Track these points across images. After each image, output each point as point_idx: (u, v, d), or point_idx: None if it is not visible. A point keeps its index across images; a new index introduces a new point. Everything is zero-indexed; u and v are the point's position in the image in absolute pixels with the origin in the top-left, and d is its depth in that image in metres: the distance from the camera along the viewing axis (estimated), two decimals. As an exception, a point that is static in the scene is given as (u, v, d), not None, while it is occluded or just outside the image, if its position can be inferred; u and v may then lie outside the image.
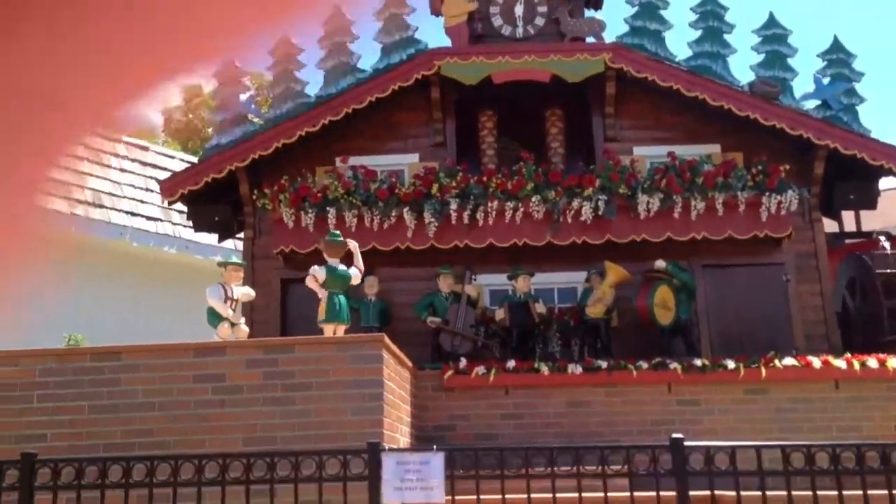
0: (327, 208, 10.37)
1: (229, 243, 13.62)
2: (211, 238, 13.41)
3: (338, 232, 8.57)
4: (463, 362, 9.38)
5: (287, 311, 11.00)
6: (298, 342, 7.08)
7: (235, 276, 8.51)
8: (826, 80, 11.54)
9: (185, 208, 12.14)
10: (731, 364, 9.26)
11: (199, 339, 7.63)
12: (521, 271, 10.25)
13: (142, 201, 14.70)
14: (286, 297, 11.06)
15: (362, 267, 8.28)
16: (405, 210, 10.33)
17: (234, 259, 8.87)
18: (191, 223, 12.21)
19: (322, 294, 8.03)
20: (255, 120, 11.54)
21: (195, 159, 14.34)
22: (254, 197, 10.92)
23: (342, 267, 8.17)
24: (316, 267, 8.18)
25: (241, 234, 11.74)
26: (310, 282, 8.13)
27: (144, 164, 15.66)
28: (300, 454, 5.18)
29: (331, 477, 5.12)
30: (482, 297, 10.74)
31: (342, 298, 8.06)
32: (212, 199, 11.26)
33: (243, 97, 11.62)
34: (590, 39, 11.38)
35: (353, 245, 8.27)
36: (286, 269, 11.04)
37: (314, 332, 8.19)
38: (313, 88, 11.58)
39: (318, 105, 11.11)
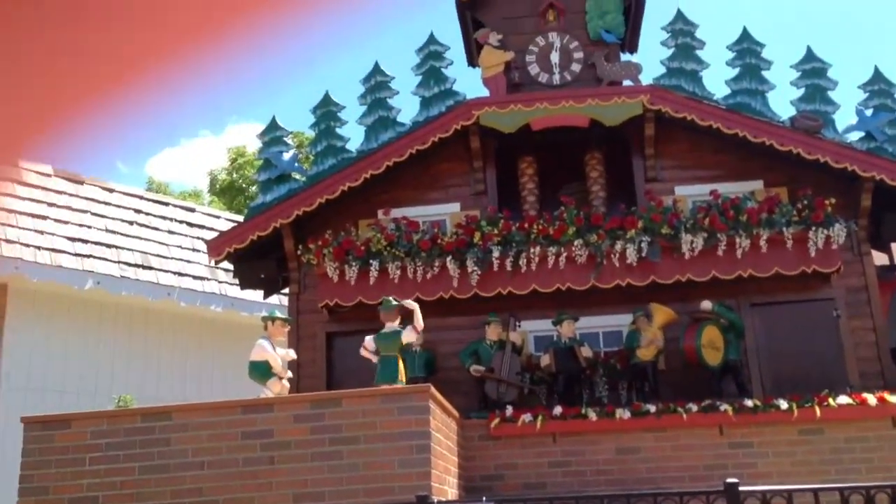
0: (370, 261, 10.50)
1: (274, 299, 13.83)
2: (256, 295, 13.64)
3: (391, 298, 8.70)
4: (509, 410, 9.34)
5: (333, 364, 11.10)
6: (345, 395, 7.14)
7: (281, 332, 8.64)
8: (869, 112, 11.42)
9: (230, 266, 12.40)
10: (783, 404, 9.06)
11: (246, 397, 7.74)
12: (565, 316, 10.22)
13: (188, 261, 15.04)
14: (331, 350, 11.17)
15: (421, 325, 8.37)
16: (448, 259, 10.41)
17: (279, 314, 8.99)
18: (237, 281, 12.45)
19: (375, 359, 8.26)
20: (298, 177, 11.80)
21: (240, 218, 14.67)
22: (298, 252, 11.11)
23: (392, 328, 8.31)
24: (367, 337, 8.44)
25: (286, 290, 11.93)
26: (363, 352, 8.41)
27: (191, 224, 16.06)
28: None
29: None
30: (527, 344, 10.72)
31: (395, 360, 8.16)
32: (257, 256, 11.49)
33: (286, 155, 11.91)
34: (627, 82, 11.45)
35: (410, 304, 8.43)
36: (331, 323, 11.18)
37: (361, 385, 8.24)
38: (354, 143, 11.83)
39: (359, 160, 11.32)
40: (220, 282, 14.96)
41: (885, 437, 8.94)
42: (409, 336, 8.26)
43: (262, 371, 8.26)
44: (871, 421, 9.00)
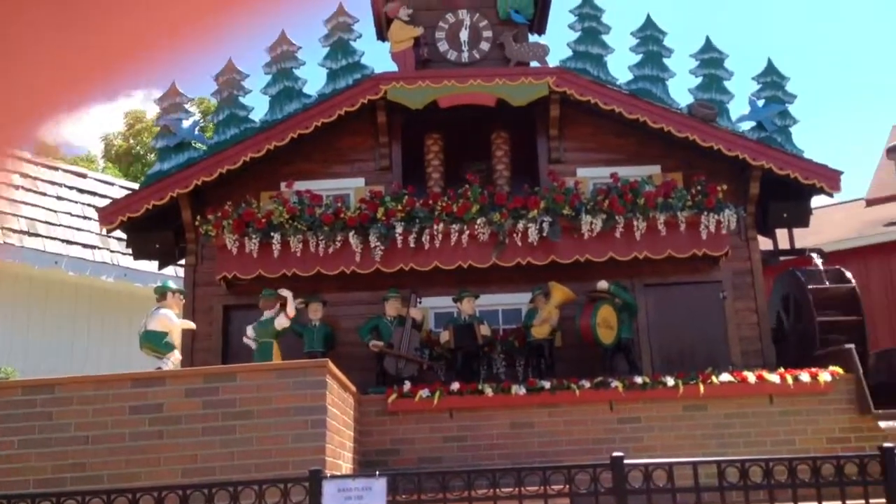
0: (272, 234, 10.34)
1: (170, 270, 13.44)
2: (151, 265, 13.23)
3: (269, 290, 9.43)
4: (407, 385, 9.39)
5: (229, 338, 10.90)
6: (240, 370, 7.04)
7: (177, 304, 8.45)
8: (761, 103, 11.89)
9: (124, 235, 11.98)
10: (670, 381, 9.42)
11: (138, 369, 7.56)
12: (466, 293, 10.32)
13: (78, 229, 14.45)
14: (228, 324, 10.97)
15: (293, 312, 9.23)
16: (351, 234, 10.35)
17: (173, 286, 8.86)
18: (130, 250, 12.05)
19: (254, 345, 9.01)
20: (199, 146, 11.48)
21: (136, 186, 14.17)
22: (196, 223, 10.83)
23: (268, 316, 9.18)
24: (248, 326, 9.22)
25: (183, 261, 11.62)
26: (245, 340, 9.22)
27: (82, 191, 15.41)
28: (239, 484, 5.15)
29: (270, 506, 5.09)
30: (427, 320, 10.79)
31: (270, 346, 9.00)
32: (152, 226, 11.14)
33: (186, 123, 11.55)
34: (534, 64, 11.57)
35: (284, 293, 9.01)
36: (229, 296, 10.97)
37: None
38: (258, 114, 11.58)
39: (262, 130, 11.09)
40: (112, 251, 14.44)
41: (762, 414, 9.41)
42: (281, 322, 8.66)
43: (159, 341, 8.14)
44: (750, 398, 9.45)
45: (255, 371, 6.94)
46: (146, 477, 6.16)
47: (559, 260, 10.50)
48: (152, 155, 21.44)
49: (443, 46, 11.70)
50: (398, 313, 10.29)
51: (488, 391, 9.29)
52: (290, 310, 8.95)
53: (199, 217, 10.82)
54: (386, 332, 10.15)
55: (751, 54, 40.77)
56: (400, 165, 11.53)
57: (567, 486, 5.58)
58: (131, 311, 12.64)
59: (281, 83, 11.47)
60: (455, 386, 9.35)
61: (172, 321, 8.43)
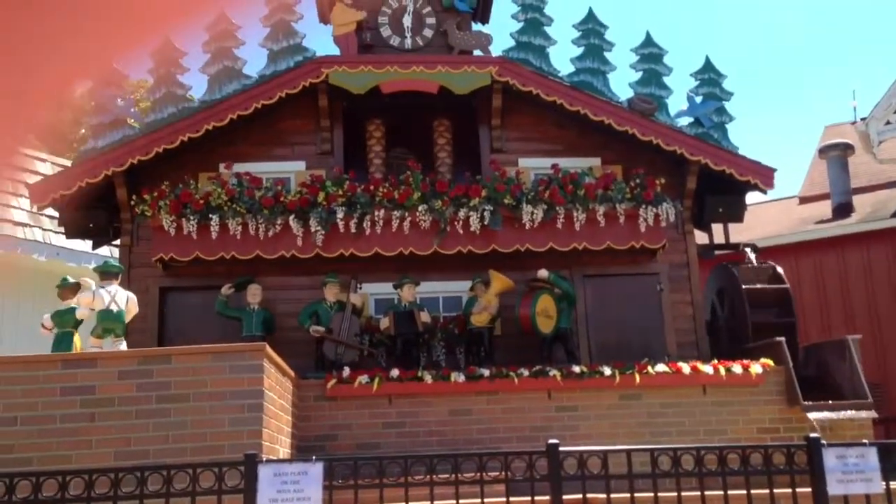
0: (210, 216, 10.15)
1: (104, 250, 13.09)
2: (85, 245, 12.86)
3: (67, 277, 8.99)
4: (346, 371, 9.35)
5: (165, 321, 10.68)
6: (175, 352, 6.90)
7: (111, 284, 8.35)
8: (699, 99, 12.12)
9: (56, 214, 11.62)
10: (607, 371, 9.56)
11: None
12: (406, 280, 10.30)
13: (8, 206, 13.94)
14: (164, 306, 10.75)
15: (89, 301, 8.54)
16: (291, 218, 10.22)
17: (114, 264, 8.74)
18: (62, 229, 11.69)
19: (50, 334, 8.53)
20: (135, 124, 11.18)
21: (69, 163, 13.74)
22: (132, 203, 10.57)
23: (68, 305, 8.62)
24: (45, 315, 8.72)
25: (118, 241, 11.32)
26: (42, 330, 8.65)
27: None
28: (172, 467, 5.05)
29: (205, 490, 5.01)
30: (367, 306, 10.74)
31: (70, 336, 8.44)
32: (86, 205, 10.82)
33: (122, 99, 11.23)
34: (477, 53, 11.58)
35: (84, 282, 8.69)
36: (165, 278, 10.75)
37: (194, 342, 8.00)
38: (197, 93, 11.33)
39: (201, 110, 10.86)
40: (44, 229, 13.99)
41: (696, 403, 9.63)
42: (82, 313, 8.42)
43: (125, 323, 8.09)
44: (685, 388, 9.66)
45: (191, 354, 6.81)
46: (77, 460, 6.00)
47: (500, 249, 10.55)
48: (82, 131, 20.77)
49: (385, 32, 11.62)
50: (337, 298, 10.22)
51: (428, 378, 9.30)
52: (85, 298, 8.44)
53: (134, 196, 10.55)
54: (325, 318, 10.07)
55: (690, 51, 41.57)
56: (342, 150, 11.43)
57: (503, 473, 5.61)
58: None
59: (220, 62, 11.24)
60: (395, 372, 9.33)
61: (135, 304, 8.51)
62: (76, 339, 8.47)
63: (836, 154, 17.51)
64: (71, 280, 8.80)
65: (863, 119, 15.54)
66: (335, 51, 11.34)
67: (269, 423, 6.98)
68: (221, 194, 10.26)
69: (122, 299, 8.48)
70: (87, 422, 6.31)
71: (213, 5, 1.24)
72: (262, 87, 10.89)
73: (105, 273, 8.59)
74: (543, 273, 10.37)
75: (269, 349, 7.14)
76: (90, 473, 4.87)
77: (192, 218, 10.12)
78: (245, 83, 11.14)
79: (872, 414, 9.71)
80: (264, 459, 5.43)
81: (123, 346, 8.18)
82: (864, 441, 6.19)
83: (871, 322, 15.23)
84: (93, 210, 10.91)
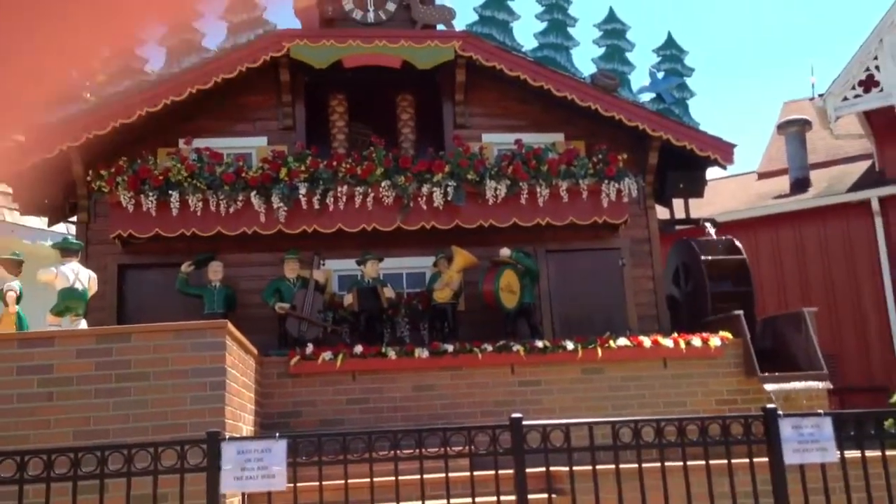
0: (170, 192, 10.00)
1: (61, 227, 12.85)
2: (40, 222, 12.61)
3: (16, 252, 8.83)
4: (310, 348, 9.31)
5: (124, 298, 10.53)
6: (135, 330, 6.81)
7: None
8: (660, 75, 12.19)
9: (9, 190, 11.36)
10: (569, 345, 9.65)
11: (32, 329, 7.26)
12: (369, 256, 10.27)
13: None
14: (123, 283, 10.59)
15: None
16: (252, 194, 10.11)
17: (74, 241, 8.59)
18: (16, 206, 11.44)
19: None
20: (91, 98, 10.94)
21: (22, 138, 13.41)
22: (88, 179, 10.36)
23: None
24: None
25: (74, 218, 11.11)
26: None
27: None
28: (133, 446, 4.99)
29: (167, 469, 4.97)
30: (331, 283, 10.69)
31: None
32: (41, 180, 10.59)
33: (76, 72, 10.95)
34: (440, 27, 11.49)
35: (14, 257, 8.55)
36: (124, 255, 10.58)
37: (154, 320, 7.90)
38: (155, 66, 11.10)
39: (159, 84, 10.65)
40: (-3, 206, 13.70)
41: (656, 377, 9.77)
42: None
43: (66, 297, 7.96)
44: (645, 361, 9.78)
45: (151, 332, 6.72)
46: (35, 440, 5.92)
47: (463, 224, 10.55)
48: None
49: (348, 5, 11.48)
50: (297, 274, 10.16)
51: (391, 354, 9.31)
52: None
53: (91, 172, 10.35)
54: (288, 294, 10.01)
55: (652, 27, 41.75)
56: (304, 125, 11.31)
57: (467, 448, 5.64)
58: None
59: (179, 35, 11.02)
60: (358, 349, 9.32)
61: (95, 282, 8.36)
62: None
63: (794, 130, 17.75)
64: (18, 255, 8.65)
65: (820, 95, 15.74)
66: (296, 24, 11.19)
67: (232, 400, 6.94)
68: (181, 170, 10.11)
69: (85, 277, 8.34)
70: (45, 401, 6.22)
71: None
72: (221, 61, 10.71)
73: (66, 250, 8.42)
74: (506, 252, 10.40)
75: (231, 326, 7.08)
76: (49, 453, 4.79)
77: (150, 194, 9.96)
78: (204, 56, 10.94)
79: (827, 385, 9.93)
80: (227, 437, 5.39)
81: (83, 325, 8.05)
82: (820, 411, 6.32)
83: (827, 295, 15.54)
84: (48, 185, 10.68)
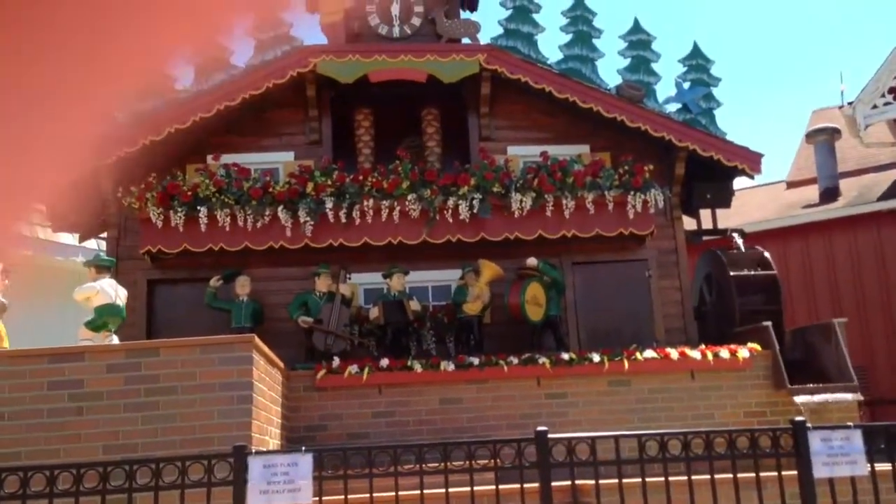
0: (198, 207, 10.12)
1: (91, 243, 13.04)
2: (72, 238, 12.81)
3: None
4: (336, 362, 9.35)
5: (154, 313, 10.66)
6: (163, 345, 6.90)
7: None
8: (686, 85, 12.13)
9: (43, 207, 11.56)
10: (596, 357, 9.60)
11: (63, 345, 7.36)
12: (395, 269, 10.30)
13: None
14: (153, 299, 10.73)
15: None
16: (279, 209, 10.20)
17: (105, 258, 8.73)
18: (49, 223, 11.64)
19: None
20: (119, 115, 11.10)
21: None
22: (119, 195, 10.53)
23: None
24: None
25: (104, 234, 11.28)
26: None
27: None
28: (161, 461, 5.06)
29: (194, 483, 5.02)
30: (357, 296, 10.74)
31: None
32: (73, 198, 10.77)
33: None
34: (465, 41, 11.55)
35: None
36: (153, 270, 10.72)
37: (182, 335, 8.00)
38: (184, 83, 11.24)
39: (188, 101, 10.80)
40: (31, 223, 13.93)
41: (684, 389, 9.68)
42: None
43: (108, 313, 8.07)
44: (673, 374, 9.71)
45: (179, 347, 6.80)
46: (65, 454, 6.01)
47: (489, 237, 10.56)
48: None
49: (373, 20, 11.57)
50: (328, 289, 10.21)
51: (417, 367, 9.32)
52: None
53: (121, 189, 10.51)
54: (315, 308, 10.07)
55: (678, 37, 41.57)
56: (330, 140, 11.40)
57: (492, 461, 5.64)
58: (50, 286, 12.21)
59: (207, 53, 11.16)
60: (384, 362, 9.35)
61: (125, 298, 8.56)
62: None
63: (823, 138, 17.56)
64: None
65: (850, 103, 15.58)
66: (323, 40, 11.30)
67: (259, 414, 6.99)
68: (209, 186, 10.23)
69: (122, 294, 8.49)
70: (75, 416, 6.31)
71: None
72: (249, 78, 10.84)
73: (100, 267, 8.56)
74: (532, 261, 10.39)
75: (257, 340, 7.15)
76: (78, 467, 4.87)
77: (179, 210, 10.09)
78: (232, 73, 11.08)
79: (858, 397, 9.79)
80: (253, 451, 5.44)
81: (115, 340, 8.17)
82: (850, 424, 6.24)
83: (858, 305, 15.32)
84: (79, 202, 10.85)
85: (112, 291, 8.31)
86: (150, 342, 8.20)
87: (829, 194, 16.96)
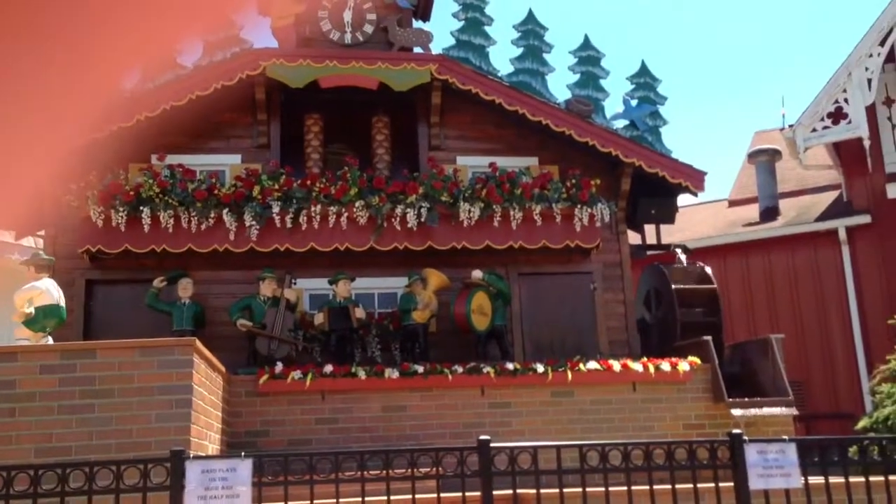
0: (141, 207, 9.93)
1: (29, 241, 12.69)
2: (7, 235, 12.45)
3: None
4: (279, 367, 9.24)
5: (91, 314, 10.40)
6: (100, 346, 6.73)
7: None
8: (634, 102, 12.33)
9: (-22, 203, 11.22)
10: (540, 368, 9.66)
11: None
12: (341, 275, 10.24)
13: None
14: (91, 299, 10.46)
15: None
16: (225, 212, 10.07)
17: (44, 256, 8.48)
18: (-15, 220, 11.29)
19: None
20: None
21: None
22: (58, 193, 10.24)
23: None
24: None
25: (42, 232, 10.98)
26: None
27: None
28: (95, 464, 4.93)
29: (129, 487, 4.90)
30: (302, 301, 10.64)
31: None
32: (8, 194, 10.46)
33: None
34: (417, 50, 11.57)
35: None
36: (92, 270, 10.46)
37: (121, 336, 7.83)
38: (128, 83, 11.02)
39: (132, 99, 10.58)
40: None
41: (626, 400, 9.80)
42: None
43: (50, 314, 7.82)
44: (615, 385, 9.81)
45: (117, 349, 6.65)
46: (-5, 457, 5.81)
47: (436, 246, 10.57)
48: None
49: (325, 26, 11.52)
50: (273, 294, 10.10)
51: (361, 374, 9.26)
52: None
53: (60, 186, 10.23)
54: (259, 313, 9.95)
55: (627, 55, 42.28)
56: (278, 144, 11.29)
57: (435, 469, 5.62)
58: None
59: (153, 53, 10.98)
60: (328, 368, 9.27)
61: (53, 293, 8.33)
62: None
63: (764, 159, 18.01)
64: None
65: (790, 126, 16.00)
66: (273, 43, 11.20)
67: (198, 418, 6.86)
68: (153, 186, 10.05)
69: (62, 294, 8.26)
70: (7, 417, 6.12)
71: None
72: (197, 78, 10.68)
73: (39, 266, 8.32)
74: (478, 274, 10.43)
75: (198, 344, 7.02)
76: (8, 470, 4.72)
77: (121, 209, 9.89)
78: (179, 73, 10.90)
79: (793, 411, 10.02)
80: (192, 456, 5.34)
81: (49, 341, 7.94)
82: (785, 437, 6.38)
83: (795, 322, 15.71)
84: (15, 199, 10.55)
85: (56, 292, 8.09)
86: (86, 343, 8.01)
87: (770, 213, 17.39)
